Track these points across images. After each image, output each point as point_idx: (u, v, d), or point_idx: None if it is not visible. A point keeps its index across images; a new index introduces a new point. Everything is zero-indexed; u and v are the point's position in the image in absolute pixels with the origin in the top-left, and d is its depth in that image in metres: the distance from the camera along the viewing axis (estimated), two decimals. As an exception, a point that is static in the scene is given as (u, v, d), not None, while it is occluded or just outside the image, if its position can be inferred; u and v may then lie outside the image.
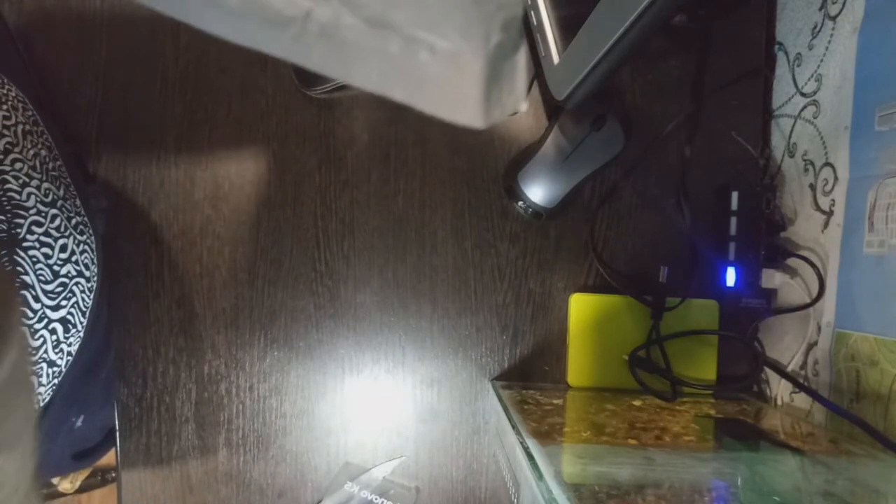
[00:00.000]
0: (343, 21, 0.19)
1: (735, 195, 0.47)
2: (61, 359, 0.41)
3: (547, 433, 0.36)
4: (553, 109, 0.49)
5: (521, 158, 0.48)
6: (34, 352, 0.38)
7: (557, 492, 0.27)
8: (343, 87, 0.48)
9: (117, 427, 0.50)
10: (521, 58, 0.21)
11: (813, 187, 0.44)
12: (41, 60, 0.51)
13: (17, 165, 0.38)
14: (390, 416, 0.50)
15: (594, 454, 0.34)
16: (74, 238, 0.41)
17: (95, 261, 0.44)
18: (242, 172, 0.50)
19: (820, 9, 0.43)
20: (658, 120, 0.49)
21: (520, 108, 0.22)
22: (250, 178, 0.50)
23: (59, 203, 0.41)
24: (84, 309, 0.43)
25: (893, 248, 0.37)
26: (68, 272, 0.41)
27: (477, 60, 0.20)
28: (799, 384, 0.44)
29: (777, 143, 0.49)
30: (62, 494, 0.90)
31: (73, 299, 0.41)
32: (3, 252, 0.36)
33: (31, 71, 0.50)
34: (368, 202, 0.50)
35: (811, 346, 0.44)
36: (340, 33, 0.19)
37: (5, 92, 0.41)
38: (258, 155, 0.50)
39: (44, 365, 0.40)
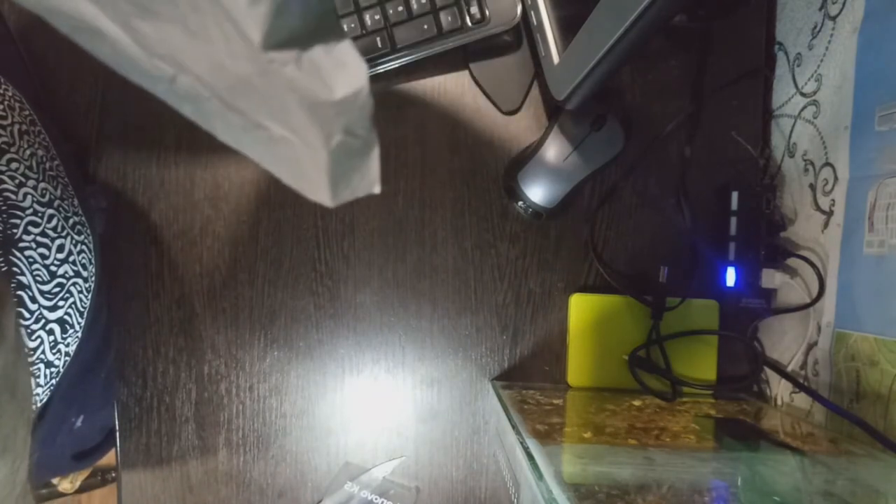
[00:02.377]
0: (201, 94, 0.20)
1: (735, 195, 0.47)
2: (59, 359, 0.41)
3: (547, 433, 0.36)
4: (553, 109, 0.49)
5: (521, 158, 0.48)
6: (31, 353, 0.38)
7: (557, 492, 0.27)
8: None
9: (117, 427, 0.50)
10: (374, 151, 0.22)
11: (813, 187, 0.44)
12: (41, 60, 0.51)
13: (13, 165, 0.38)
14: (390, 416, 0.50)
15: (594, 454, 0.34)
16: (72, 238, 0.41)
17: (93, 261, 0.44)
18: (242, 172, 0.50)
19: (820, 9, 0.43)
20: (658, 120, 0.49)
21: (373, 191, 0.22)
22: (250, 178, 0.50)
23: (57, 203, 0.41)
24: (82, 309, 0.43)
25: (893, 248, 0.37)
26: (65, 272, 0.40)
27: (320, 153, 0.21)
28: (799, 384, 0.44)
29: (777, 143, 0.49)
30: (62, 494, 0.90)
31: (71, 300, 0.41)
32: None
33: (31, 70, 0.50)
34: (368, 202, 0.50)
35: (811, 346, 0.44)
36: (201, 103, 0.21)
37: (1, 92, 0.41)
38: (258, 155, 0.50)
39: (41, 366, 0.40)
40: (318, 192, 0.22)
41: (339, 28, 0.20)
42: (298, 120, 0.20)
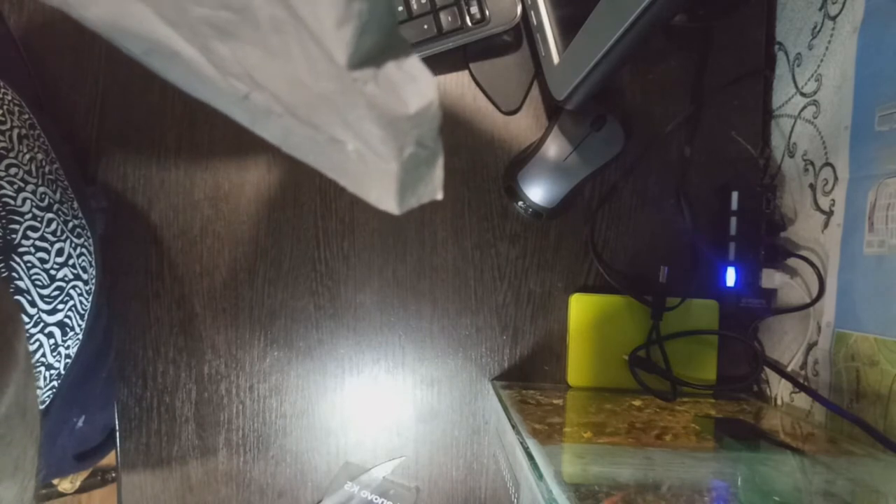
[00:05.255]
0: (274, 110, 0.21)
1: (735, 195, 0.47)
2: (59, 362, 0.41)
3: (547, 433, 0.36)
4: (553, 109, 0.49)
5: (521, 158, 0.48)
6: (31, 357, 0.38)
7: (557, 492, 0.27)
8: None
9: (117, 427, 0.50)
10: (439, 160, 0.23)
11: (813, 187, 0.44)
12: (41, 61, 0.51)
13: (12, 171, 0.38)
14: (390, 416, 0.50)
15: (594, 454, 0.34)
16: (71, 241, 0.41)
17: (93, 263, 0.44)
18: (242, 172, 0.50)
19: (820, 9, 0.43)
20: (658, 120, 0.49)
21: (436, 197, 0.23)
22: (250, 178, 0.50)
23: (56, 207, 0.41)
24: (82, 312, 0.43)
25: (893, 248, 0.37)
26: (65, 276, 0.40)
27: (391, 164, 0.22)
28: (799, 384, 0.44)
29: (777, 143, 0.49)
30: (62, 494, 0.90)
31: (71, 303, 0.41)
32: None
33: (31, 71, 0.50)
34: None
35: (811, 346, 0.44)
36: (272, 118, 0.21)
37: (0, 96, 0.41)
38: (258, 155, 0.50)
39: (42, 369, 0.40)
40: (386, 200, 0.23)
41: (405, 43, 0.21)
42: (373, 134, 0.21)
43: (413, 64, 0.20)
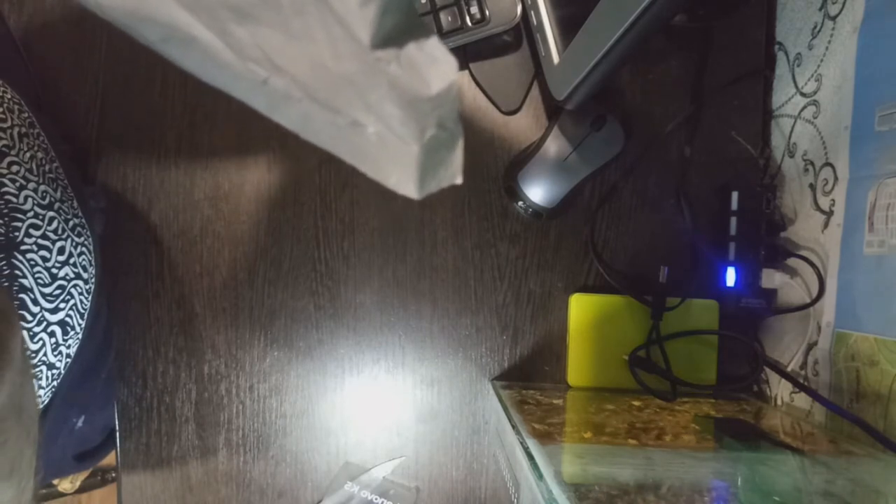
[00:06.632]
0: (293, 95, 0.21)
1: (735, 195, 0.47)
2: (60, 361, 0.41)
3: (547, 433, 0.36)
4: (553, 109, 0.49)
5: (521, 158, 0.48)
6: (33, 355, 0.38)
7: (557, 492, 0.27)
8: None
9: (117, 427, 0.50)
10: (459, 143, 0.23)
11: (813, 187, 0.44)
12: (41, 60, 0.51)
13: (14, 168, 0.38)
14: (390, 416, 0.50)
15: (594, 454, 0.34)
16: (72, 240, 0.41)
17: (93, 262, 0.44)
18: (242, 172, 0.50)
19: (820, 9, 0.43)
20: (658, 120, 0.49)
21: (456, 182, 0.24)
22: (250, 178, 0.50)
23: (57, 205, 0.41)
24: (82, 311, 0.43)
25: (893, 248, 0.37)
26: (66, 275, 0.40)
27: (412, 147, 0.22)
28: (799, 384, 0.44)
29: (777, 143, 0.49)
30: (62, 494, 0.90)
31: (72, 301, 0.41)
32: (0, 256, 0.36)
33: (31, 71, 0.50)
34: (368, 202, 0.50)
35: (811, 346, 0.44)
36: (291, 104, 0.21)
37: (0, 94, 0.41)
38: (258, 155, 0.50)
39: (43, 368, 0.40)
40: (406, 185, 0.23)
41: (423, 24, 0.21)
42: (394, 115, 0.21)
43: (434, 45, 0.20)
